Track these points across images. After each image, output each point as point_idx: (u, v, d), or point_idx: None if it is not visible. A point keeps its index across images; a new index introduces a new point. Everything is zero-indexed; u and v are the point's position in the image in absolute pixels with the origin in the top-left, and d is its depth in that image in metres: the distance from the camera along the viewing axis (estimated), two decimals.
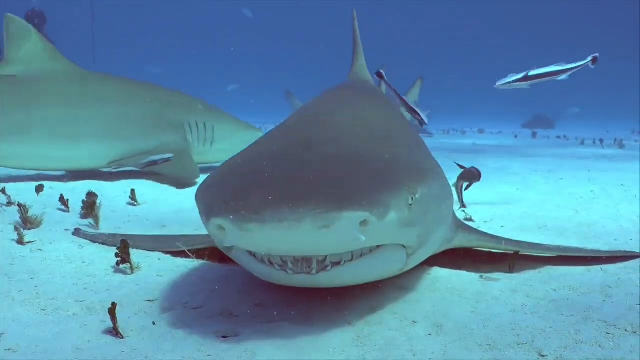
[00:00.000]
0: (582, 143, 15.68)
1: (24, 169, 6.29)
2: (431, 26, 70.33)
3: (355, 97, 3.28)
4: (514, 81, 4.27)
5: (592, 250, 3.21)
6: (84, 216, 4.14)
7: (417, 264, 2.44)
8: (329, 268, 2.02)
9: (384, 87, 4.50)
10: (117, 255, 2.84)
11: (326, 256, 2.01)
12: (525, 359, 1.91)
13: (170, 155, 5.94)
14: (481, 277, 2.78)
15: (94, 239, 3.50)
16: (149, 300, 2.46)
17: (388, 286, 2.52)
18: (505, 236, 3.24)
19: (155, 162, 5.96)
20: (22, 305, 2.40)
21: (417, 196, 2.09)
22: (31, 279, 2.74)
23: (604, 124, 27.52)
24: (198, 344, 1.99)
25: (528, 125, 29.96)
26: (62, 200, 4.49)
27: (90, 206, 4.05)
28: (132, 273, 2.86)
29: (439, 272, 2.85)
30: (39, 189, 5.04)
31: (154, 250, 3.21)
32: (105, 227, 3.93)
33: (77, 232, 3.65)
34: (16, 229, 3.50)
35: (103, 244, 3.39)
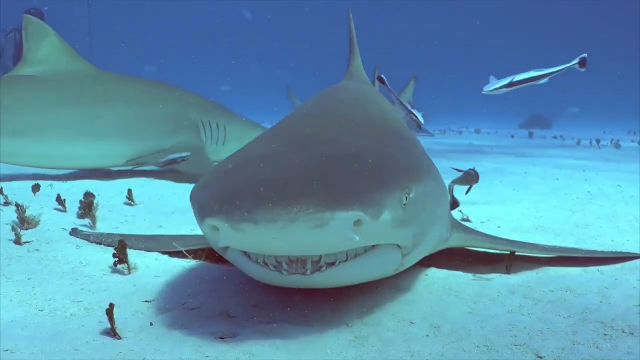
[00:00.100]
0: (579, 143, 15.68)
1: (43, 168, 6.35)
2: (431, 26, 70.29)
3: (351, 97, 3.28)
4: (500, 87, 4.27)
5: (588, 251, 3.21)
6: (81, 216, 4.14)
7: (412, 263, 2.43)
8: (323, 268, 2.02)
9: (377, 85, 4.49)
10: (114, 255, 2.84)
11: (320, 256, 2.00)
12: None
13: (188, 153, 6.20)
14: (474, 276, 2.79)
15: (91, 239, 3.50)
16: (146, 301, 2.46)
17: (385, 287, 2.53)
18: (502, 236, 3.24)
19: (174, 161, 6.22)
20: (20, 306, 2.40)
21: (411, 195, 2.08)
22: (28, 279, 2.74)
23: (602, 124, 27.50)
24: (196, 345, 1.99)
25: (525, 125, 29.86)
26: (59, 200, 4.49)
27: (87, 206, 4.05)
28: (130, 273, 2.86)
29: (436, 273, 2.85)
30: (36, 188, 5.04)
31: (151, 251, 3.21)
32: (102, 227, 3.93)
33: (74, 232, 3.65)
34: (13, 228, 3.50)
35: (100, 244, 3.39)
